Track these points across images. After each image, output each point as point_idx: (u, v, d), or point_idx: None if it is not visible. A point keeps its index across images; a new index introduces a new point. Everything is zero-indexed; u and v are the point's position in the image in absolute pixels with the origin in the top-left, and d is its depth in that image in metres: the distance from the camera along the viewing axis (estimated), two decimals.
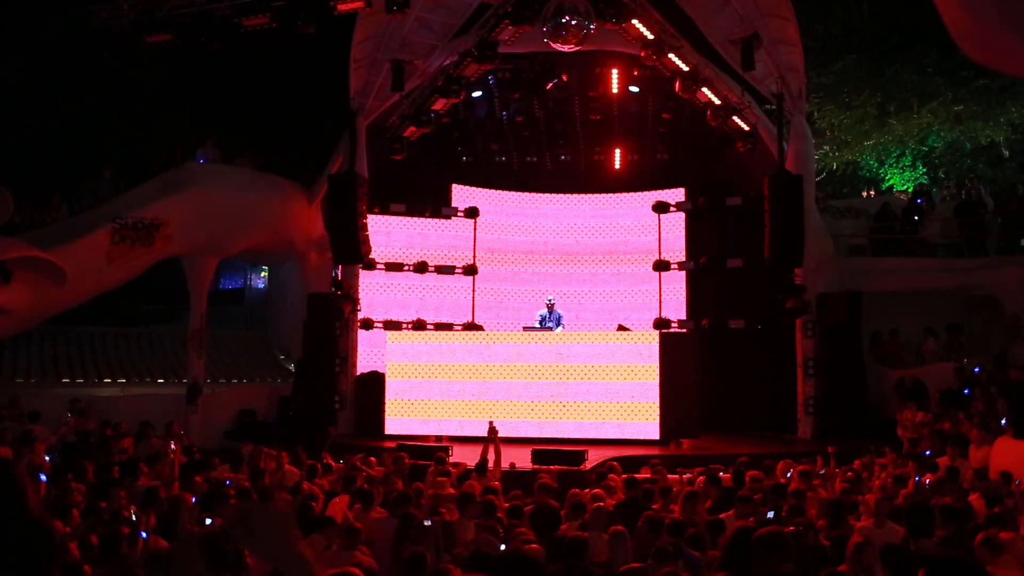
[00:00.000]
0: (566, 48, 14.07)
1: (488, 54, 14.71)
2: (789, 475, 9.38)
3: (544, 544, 5.45)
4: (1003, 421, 10.64)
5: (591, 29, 13.70)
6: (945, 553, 4.93)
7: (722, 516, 6.85)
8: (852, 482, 8.87)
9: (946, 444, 10.65)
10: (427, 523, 5.82)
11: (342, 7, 12.56)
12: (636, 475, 9.57)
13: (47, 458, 10.16)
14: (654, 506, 7.40)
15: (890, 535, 6.22)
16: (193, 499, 7.40)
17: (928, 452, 10.76)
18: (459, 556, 5.72)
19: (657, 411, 13.74)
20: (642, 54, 14.61)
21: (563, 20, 13.49)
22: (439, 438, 13.95)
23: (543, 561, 5.16)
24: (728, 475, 9.14)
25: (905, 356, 15.43)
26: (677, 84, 15.01)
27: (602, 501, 7.05)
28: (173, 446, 10.54)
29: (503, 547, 5.79)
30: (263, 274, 22.23)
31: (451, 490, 8.28)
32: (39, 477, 8.14)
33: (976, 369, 13.54)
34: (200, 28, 12.64)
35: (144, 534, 6.20)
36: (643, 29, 14.33)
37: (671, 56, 14.63)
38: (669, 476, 9.58)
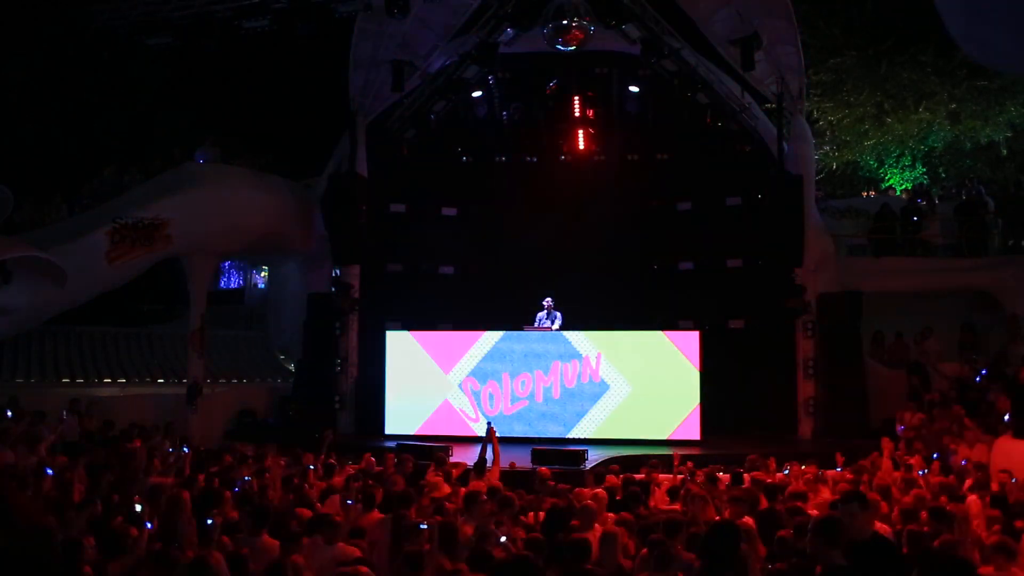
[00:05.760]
0: (567, 49, 14.06)
1: (488, 56, 14.69)
2: (787, 473, 9.40)
3: (550, 545, 5.45)
4: (1006, 418, 10.62)
5: (591, 31, 13.69)
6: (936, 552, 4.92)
7: (719, 518, 6.84)
8: (853, 482, 8.84)
9: (943, 444, 10.63)
10: (423, 525, 5.80)
11: (342, 9, 12.57)
12: (636, 475, 9.56)
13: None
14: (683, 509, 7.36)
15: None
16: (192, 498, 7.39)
17: (935, 454, 10.71)
18: (461, 556, 5.71)
19: (658, 411, 13.77)
20: (641, 68, 14.61)
21: (563, 22, 13.48)
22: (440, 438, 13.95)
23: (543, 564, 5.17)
24: (727, 475, 9.13)
25: (910, 356, 15.40)
26: (677, 86, 14.99)
27: (594, 502, 7.04)
28: (185, 449, 10.55)
29: (503, 539, 5.77)
30: (263, 274, 22.21)
31: (450, 490, 8.29)
32: (46, 471, 8.18)
33: (983, 372, 13.51)
34: (200, 30, 12.65)
35: (149, 525, 6.21)
36: (643, 31, 14.32)
37: (671, 58, 14.62)
38: (665, 476, 9.57)
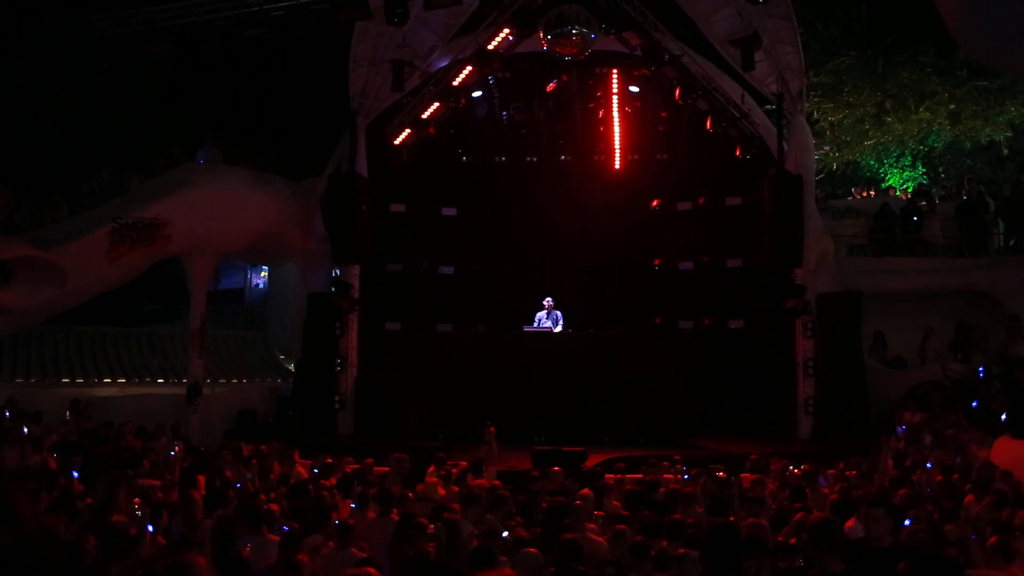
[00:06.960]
0: (568, 56, 14.02)
1: (487, 61, 14.67)
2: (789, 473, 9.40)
3: (550, 543, 5.45)
4: (1003, 418, 10.62)
5: (592, 38, 13.65)
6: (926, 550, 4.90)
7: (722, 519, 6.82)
8: (856, 481, 8.84)
9: (942, 444, 10.63)
10: (429, 528, 5.81)
11: (342, 15, 12.52)
12: (635, 475, 9.57)
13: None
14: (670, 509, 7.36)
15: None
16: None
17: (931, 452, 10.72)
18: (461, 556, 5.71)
19: (659, 411, 13.77)
20: (642, 69, 14.58)
21: (564, 29, 13.44)
22: (440, 437, 13.93)
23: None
24: (725, 475, 9.13)
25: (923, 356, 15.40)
26: (677, 92, 14.96)
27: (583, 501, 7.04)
28: (176, 450, 10.55)
29: (505, 533, 5.78)
30: (263, 274, 22.22)
31: (451, 490, 8.29)
32: (52, 472, 8.18)
33: (980, 368, 13.54)
34: (200, 38, 12.60)
35: (151, 528, 6.22)
36: (643, 38, 14.27)
37: (672, 65, 14.58)
38: (666, 476, 9.57)
